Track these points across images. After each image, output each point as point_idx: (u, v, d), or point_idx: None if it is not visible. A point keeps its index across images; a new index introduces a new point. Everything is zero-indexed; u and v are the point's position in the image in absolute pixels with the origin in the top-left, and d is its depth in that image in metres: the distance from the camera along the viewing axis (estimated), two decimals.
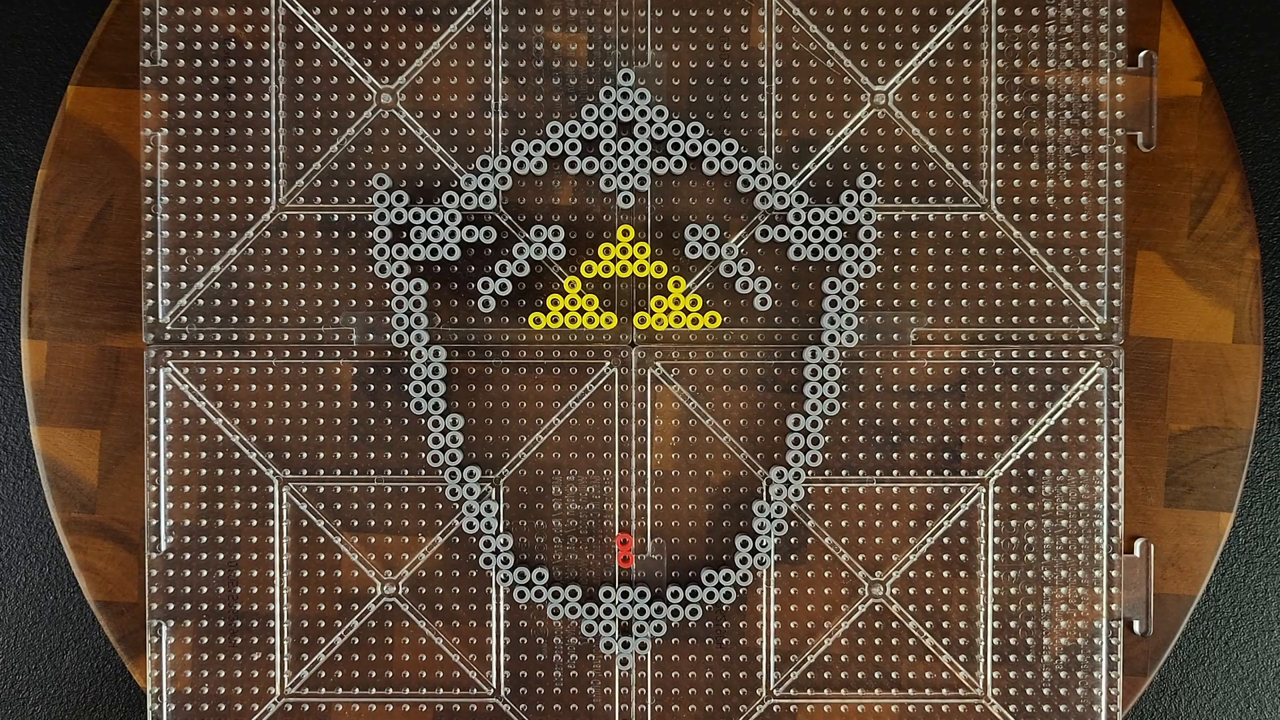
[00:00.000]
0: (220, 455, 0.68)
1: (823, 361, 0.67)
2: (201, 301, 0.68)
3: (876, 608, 0.68)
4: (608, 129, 0.67)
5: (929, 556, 0.68)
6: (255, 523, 0.68)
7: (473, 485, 0.67)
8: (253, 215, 0.68)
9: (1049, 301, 0.68)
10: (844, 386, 0.68)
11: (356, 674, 0.68)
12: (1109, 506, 0.68)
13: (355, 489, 0.68)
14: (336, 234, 0.68)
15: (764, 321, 0.68)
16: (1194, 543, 0.69)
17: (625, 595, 0.67)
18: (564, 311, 0.67)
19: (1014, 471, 0.68)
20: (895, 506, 0.68)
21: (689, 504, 0.68)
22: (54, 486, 0.69)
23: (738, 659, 0.68)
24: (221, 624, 0.68)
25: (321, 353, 0.68)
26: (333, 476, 0.68)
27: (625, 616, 0.68)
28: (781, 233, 0.67)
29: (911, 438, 0.68)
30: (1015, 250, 0.68)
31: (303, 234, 0.68)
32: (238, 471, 0.68)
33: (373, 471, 0.68)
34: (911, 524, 0.68)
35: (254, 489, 0.68)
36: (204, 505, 0.68)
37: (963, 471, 0.68)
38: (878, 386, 0.68)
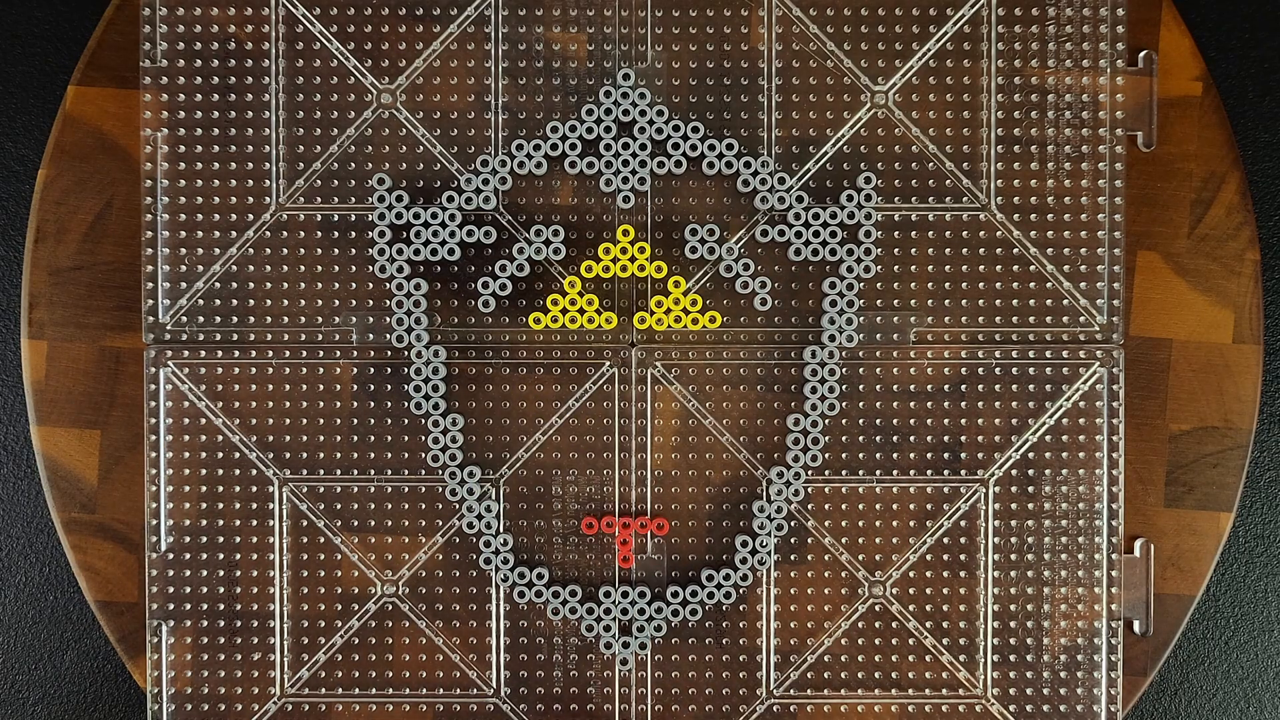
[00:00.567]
0: (220, 455, 0.68)
1: (823, 361, 0.67)
2: (201, 301, 0.68)
3: (876, 608, 0.68)
4: (608, 129, 0.67)
5: (929, 556, 0.68)
6: (255, 523, 0.68)
7: (473, 485, 0.67)
8: (253, 215, 0.68)
9: (1049, 301, 0.68)
10: (844, 386, 0.68)
11: (356, 674, 0.68)
12: (1109, 506, 0.68)
13: (355, 489, 0.68)
14: (336, 234, 0.68)
15: (764, 321, 0.68)
16: (1194, 543, 0.69)
17: (625, 595, 0.67)
18: (564, 311, 0.67)
19: (1014, 471, 0.68)
20: (895, 506, 0.68)
21: (689, 504, 0.68)
22: (54, 486, 0.69)
23: (738, 659, 0.68)
24: (221, 624, 0.68)
25: (321, 353, 0.68)
26: (333, 476, 0.68)
27: (625, 616, 0.68)
28: (781, 233, 0.67)
29: (911, 438, 0.68)
30: (1015, 250, 0.68)
31: (303, 234, 0.68)
32: (238, 471, 0.68)
33: (373, 471, 0.68)
34: (911, 524, 0.68)
35: (254, 489, 0.68)
36: (204, 505, 0.68)
37: (963, 471, 0.68)
38: (878, 386, 0.68)
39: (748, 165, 0.67)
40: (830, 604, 0.68)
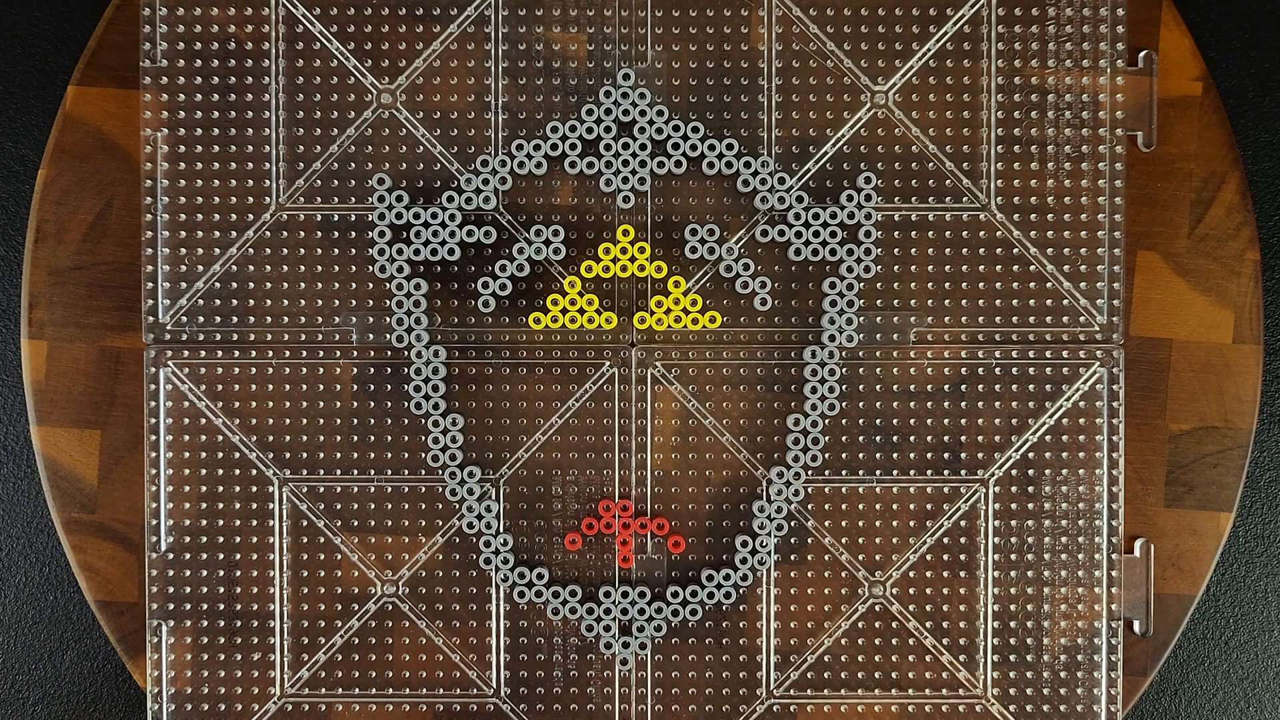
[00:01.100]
0: (220, 455, 0.68)
1: (823, 361, 0.67)
2: (201, 301, 0.68)
3: (876, 608, 0.68)
4: (608, 129, 0.67)
5: (929, 556, 0.68)
6: (255, 523, 0.68)
7: (473, 485, 0.67)
8: (253, 215, 0.68)
9: (1049, 301, 0.68)
10: (844, 386, 0.68)
11: (356, 674, 0.68)
12: (1109, 506, 0.68)
13: (355, 489, 0.68)
14: (336, 234, 0.68)
15: (764, 321, 0.68)
16: (1194, 543, 0.69)
17: (625, 595, 0.67)
18: (564, 311, 0.67)
19: (1014, 471, 0.68)
20: (895, 506, 0.68)
21: (689, 504, 0.68)
22: (54, 486, 0.69)
23: (738, 659, 0.68)
24: (221, 624, 0.68)
25: (321, 353, 0.68)
26: (333, 476, 0.68)
27: (625, 616, 0.68)
28: (781, 233, 0.67)
29: (911, 438, 0.68)
30: (1015, 250, 0.68)
31: (303, 234, 0.68)
32: (238, 471, 0.68)
33: (373, 471, 0.68)
34: (911, 524, 0.68)
35: (254, 489, 0.68)
36: (204, 505, 0.68)
37: (963, 471, 0.68)
38: (878, 386, 0.68)
39: (748, 165, 0.67)
40: (830, 604, 0.68)
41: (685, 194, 0.68)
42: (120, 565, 0.69)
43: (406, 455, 0.68)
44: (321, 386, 0.68)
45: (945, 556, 0.68)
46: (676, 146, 0.67)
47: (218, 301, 0.68)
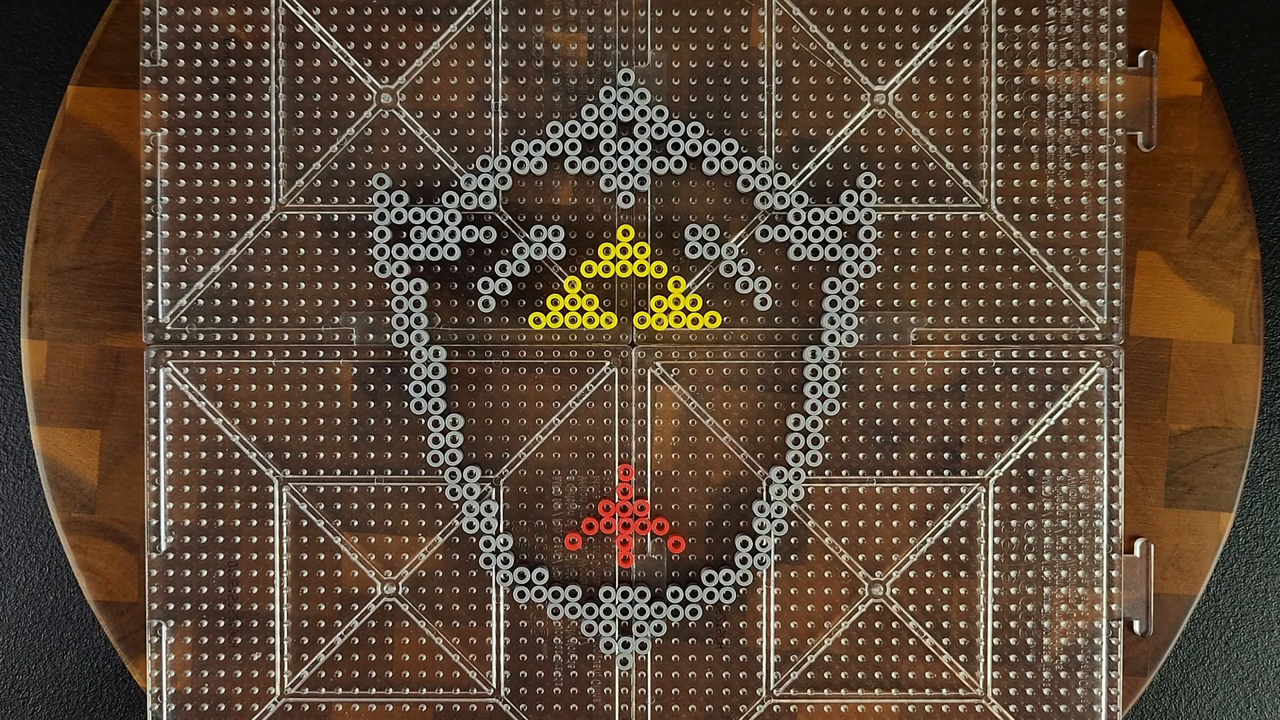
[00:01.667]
0: (220, 455, 0.68)
1: (823, 361, 0.67)
2: (201, 301, 0.68)
3: (876, 608, 0.68)
4: (608, 129, 0.67)
5: (929, 556, 0.68)
6: (255, 523, 0.68)
7: (473, 485, 0.67)
8: (253, 215, 0.68)
9: (1049, 301, 0.68)
10: (844, 386, 0.68)
11: (356, 674, 0.68)
12: (1109, 506, 0.68)
13: (355, 489, 0.68)
14: (336, 234, 0.68)
15: (764, 321, 0.68)
16: (1194, 543, 0.69)
17: (625, 595, 0.67)
18: (564, 311, 0.67)
19: (1014, 471, 0.68)
20: (895, 506, 0.68)
21: (689, 504, 0.68)
22: (54, 486, 0.69)
23: (738, 659, 0.68)
24: (221, 624, 0.68)
25: (321, 353, 0.68)
26: (333, 476, 0.68)
27: (625, 616, 0.67)
28: (781, 233, 0.67)
29: (911, 438, 0.68)
30: (1015, 250, 0.68)
31: (303, 234, 0.68)
32: (238, 471, 0.68)
33: (373, 471, 0.68)
34: (911, 524, 0.68)
35: (254, 489, 0.68)
36: (204, 505, 0.68)
37: (963, 471, 0.68)
38: (878, 386, 0.68)
39: (748, 165, 0.67)
40: (830, 604, 0.68)
41: (685, 194, 0.68)
42: (120, 565, 0.69)
43: (406, 455, 0.68)
44: (321, 386, 0.68)
45: (945, 556, 0.68)
46: (676, 146, 0.67)
47: (218, 301, 0.68)
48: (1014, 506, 0.68)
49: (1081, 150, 0.67)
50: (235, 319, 0.68)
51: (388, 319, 0.67)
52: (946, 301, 0.68)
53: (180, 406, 0.68)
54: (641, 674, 0.68)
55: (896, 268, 0.68)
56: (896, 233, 0.68)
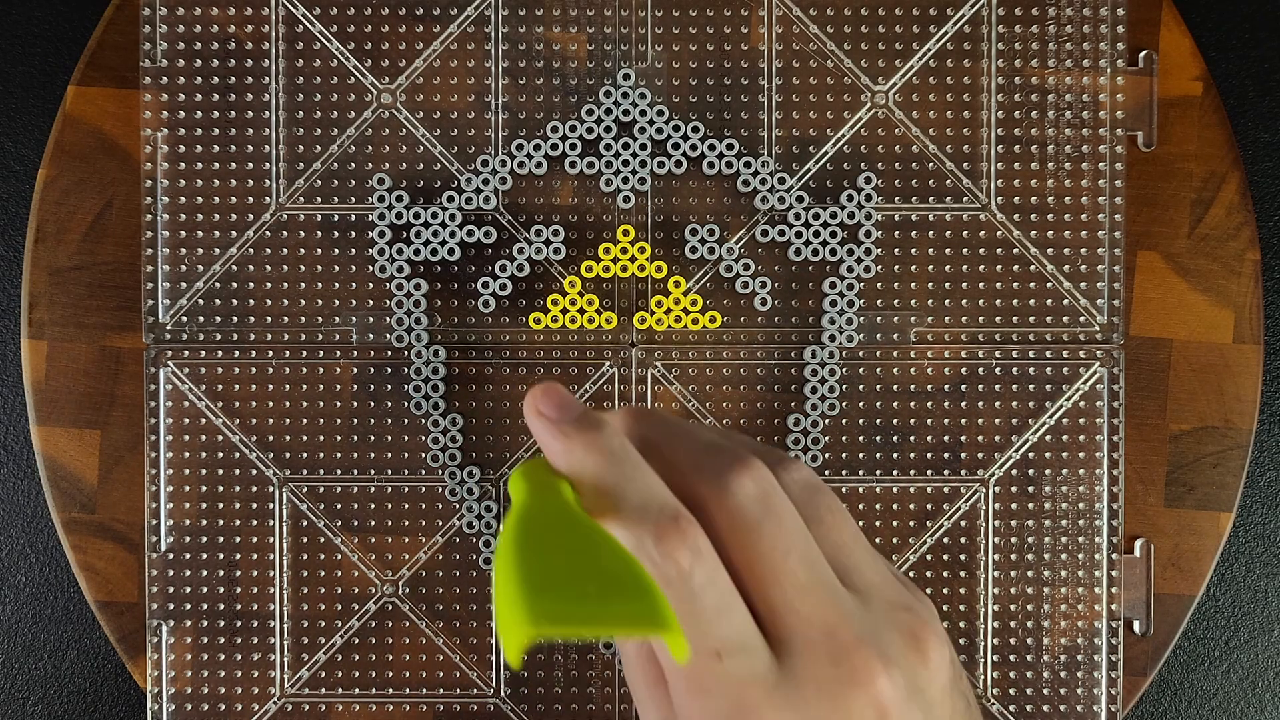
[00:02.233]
0: (220, 455, 0.68)
1: (823, 361, 0.67)
2: (201, 301, 0.68)
3: None
4: (608, 129, 0.67)
5: (929, 556, 0.68)
6: (255, 523, 0.68)
7: (473, 485, 0.67)
8: (253, 215, 0.68)
9: (1049, 301, 0.68)
10: (844, 386, 0.68)
11: (356, 674, 0.68)
12: (1109, 506, 0.68)
13: (355, 489, 0.68)
14: (336, 234, 0.68)
15: (764, 321, 0.68)
16: (1194, 543, 0.69)
17: None
18: (564, 311, 0.67)
19: (1014, 471, 0.68)
20: (895, 506, 0.68)
21: None
22: (54, 486, 0.69)
23: None
24: (221, 624, 0.68)
25: (321, 353, 0.68)
26: (333, 476, 0.68)
27: None
28: (781, 233, 0.67)
29: (911, 438, 0.68)
30: (1015, 250, 0.68)
31: (303, 234, 0.68)
32: (238, 471, 0.68)
33: (373, 471, 0.68)
34: (911, 524, 0.68)
35: (254, 489, 0.68)
36: (204, 505, 0.68)
37: (963, 471, 0.68)
38: (878, 386, 0.68)
39: (748, 165, 0.67)
40: None
41: (685, 194, 0.68)
42: (120, 565, 0.69)
43: (406, 455, 0.68)
44: (321, 386, 0.68)
45: (945, 556, 0.68)
46: (676, 146, 0.67)
47: (218, 301, 0.68)
48: (1014, 506, 0.68)
49: (1081, 150, 0.67)
50: (235, 319, 0.68)
51: (388, 319, 0.67)
52: (946, 301, 0.68)
53: (180, 406, 0.68)
54: None
55: (897, 268, 0.68)
56: (896, 233, 0.68)
